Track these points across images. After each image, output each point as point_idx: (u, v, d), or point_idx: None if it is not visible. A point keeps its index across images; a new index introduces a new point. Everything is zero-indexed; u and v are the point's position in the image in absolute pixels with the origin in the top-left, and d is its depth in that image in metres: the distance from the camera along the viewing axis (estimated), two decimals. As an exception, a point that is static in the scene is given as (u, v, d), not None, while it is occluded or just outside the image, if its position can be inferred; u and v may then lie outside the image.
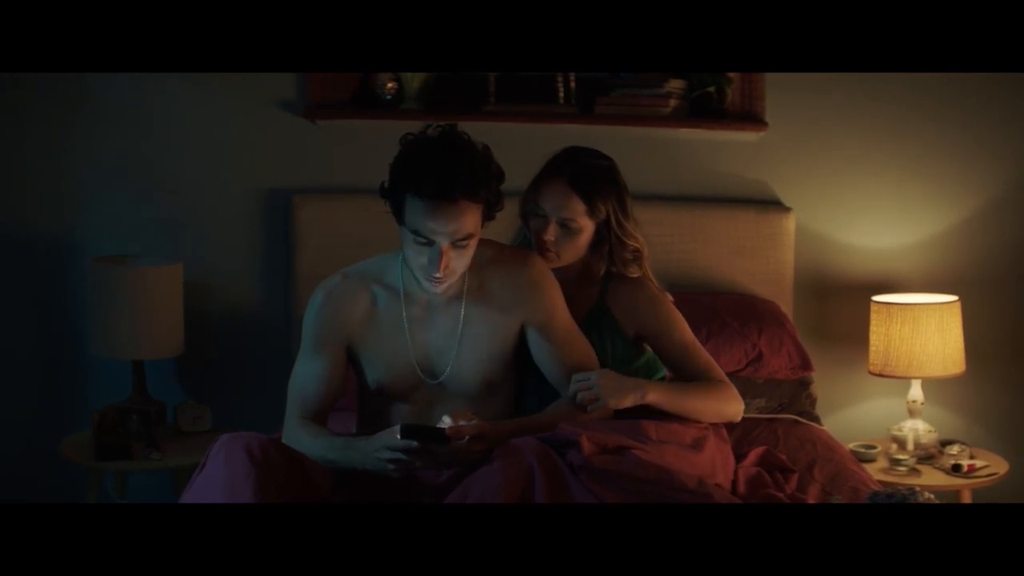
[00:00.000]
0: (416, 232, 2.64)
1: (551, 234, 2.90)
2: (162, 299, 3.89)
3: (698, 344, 2.98)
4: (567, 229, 2.91)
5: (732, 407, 2.95)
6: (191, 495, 2.55)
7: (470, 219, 2.65)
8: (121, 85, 4.06)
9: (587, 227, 2.92)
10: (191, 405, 3.98)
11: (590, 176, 2.91)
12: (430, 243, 2.64)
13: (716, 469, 2.85)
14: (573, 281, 2.99)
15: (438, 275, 2.66)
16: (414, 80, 4.06)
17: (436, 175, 2.59)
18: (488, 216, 2.72)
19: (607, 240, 2.95)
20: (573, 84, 4.07)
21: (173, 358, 4.04)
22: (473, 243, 2.70)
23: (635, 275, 2.99)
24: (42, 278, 4.17)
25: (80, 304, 4.08)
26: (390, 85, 4.07)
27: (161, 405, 3.97)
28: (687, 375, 2.95)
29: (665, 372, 3.03)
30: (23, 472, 4.17)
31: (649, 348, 3.01)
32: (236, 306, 4.18)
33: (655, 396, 2.82)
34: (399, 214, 2.68)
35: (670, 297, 3.05)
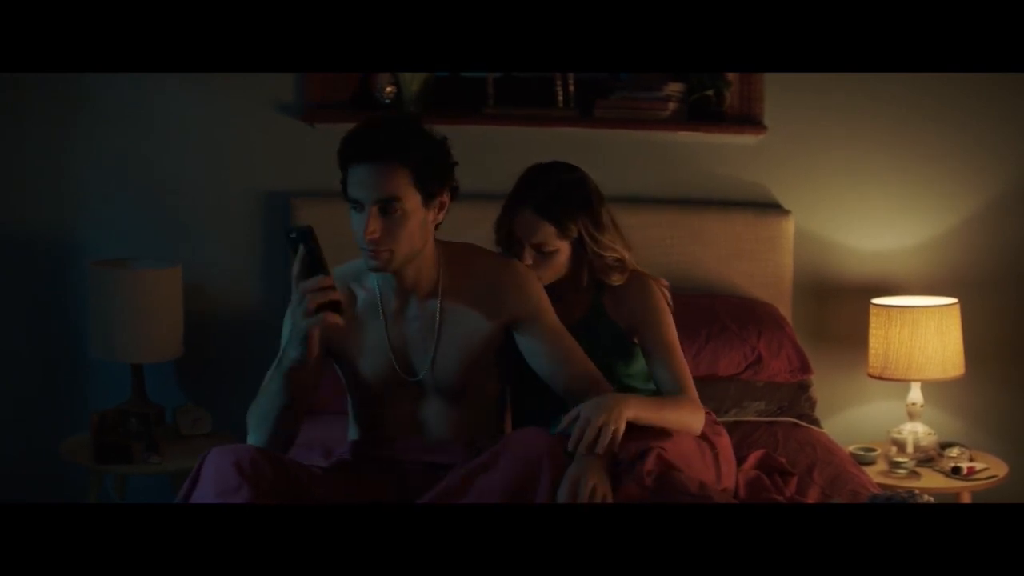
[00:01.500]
0: (349, 199, 2.68)
1: (528, 259, 2.93)
2: (161, 302, 3.88)
3: (679, 351, 2.97)
4: (542, 253, 2.94)
5: (696, 423, 2.91)
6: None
7: (395, 180, 2.63)
8: (121, 85, 4.06)
9: (562, 247, 2.95)
10: (190, 408, 3.97)
11: (556, 198, 2.92)
12: (360, 208, 2.66)
13: (721, 473, 2.85)
14: (564, 289, 3.01)
15: (367, 239, 2.64)
16: (413, 83, 4.05)
17: (365, 136, 2.66)
18: (424, 191, 2.67)
19: (585, 254, 2.97)
20: (572, 87, 4.06)
21: (172, 360, 4.04)
22: (407, 216, 2.65)
23: (618, 283, 3.01)
24: (42, 278, 4.16)
25: (80, 304, 4.07)
26: (389, 88, 4.06)
27: (160, 408, 3.97)
28: (659, 377, 2.95)
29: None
30: (23, 472, 4.17)
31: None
32: (235, 308, 4.18)
33: (634, 412, 2.73)
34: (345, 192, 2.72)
35: (665, 283, 3.08)
